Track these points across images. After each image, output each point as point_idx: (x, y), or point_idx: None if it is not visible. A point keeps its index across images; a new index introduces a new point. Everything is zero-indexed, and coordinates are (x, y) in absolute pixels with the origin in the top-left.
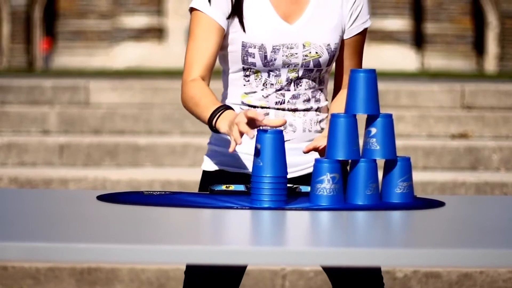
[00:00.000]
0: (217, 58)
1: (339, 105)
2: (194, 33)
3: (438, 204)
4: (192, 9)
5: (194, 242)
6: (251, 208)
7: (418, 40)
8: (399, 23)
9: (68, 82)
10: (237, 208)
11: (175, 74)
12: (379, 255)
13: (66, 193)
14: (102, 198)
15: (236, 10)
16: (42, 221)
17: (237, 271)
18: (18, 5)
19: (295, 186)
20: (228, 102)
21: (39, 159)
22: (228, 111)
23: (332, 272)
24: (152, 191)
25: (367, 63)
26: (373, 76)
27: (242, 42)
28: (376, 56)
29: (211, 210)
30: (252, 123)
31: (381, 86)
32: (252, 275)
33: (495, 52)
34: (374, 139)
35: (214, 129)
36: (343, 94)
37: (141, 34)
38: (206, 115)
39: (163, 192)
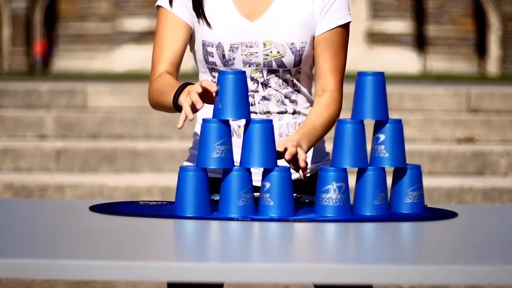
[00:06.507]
0: (183, 56)
1: (309, 119)
2: (159, 31)
3: (450, 215)
4: (158, 7)
5: (194, 259)
6: (252, 219)
7: (420, 43)
8: (401, 26)
9: (65, 86)
10: (237, 220)
11: None
12: (389, 272)
13: (59, 203)
14: (95, 208)
15: (195, 7)
16: (32, 235)
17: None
18: (19, 8)
19: (299, 195)
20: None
21: (35, 165)
22: (189, 86)
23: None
24: (148, 201)
25: (368, 66)
26: (381, 79)
27: (202, 40)
28: (378, 59)
29: (212, 222)
30: (207, 95)
31: None
32: (254, 286)
33: (497, 55)
34: (383, 146)
35: (178, 107)
36: (317, 107)
37: (142, 37)
38: (170, 98)
39: (159, 202)
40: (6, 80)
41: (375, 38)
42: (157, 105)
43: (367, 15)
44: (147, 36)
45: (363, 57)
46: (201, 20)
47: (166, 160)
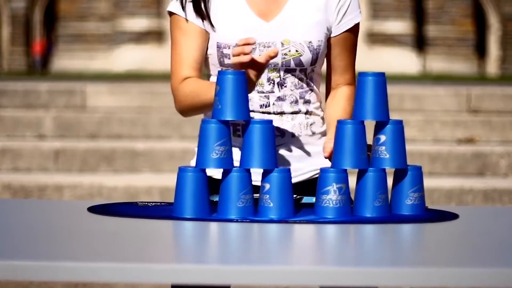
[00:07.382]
0: (203, 61)
1: (337, 112)
2: (175, 39)
3: (452, 216)
4: (170, 13)
5: (193, 261)
6: (252, 221)
7: (420, 43)
8: (401, 26)
9: (64, 86)
10: (237, 221)
11: None
12: (390, 275)
13: (57, 203)
14: (93, 209)
15: (198, 11)
16: (30, 236)
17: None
18: (18, 7)
19: (298, 196)
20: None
21: (34, 165)
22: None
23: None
24: (147, 202)
25: (368, 66)
26: (382, 79)
27: (217, 43)
28: (377, 59)
29: (211, 224)
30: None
31: None
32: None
33: (496, 55)
34: (383, 147)
35: None
36: (338, 100)
37: (141, 37)
38: (212, 92)
39: (158, 203)
40: (5, 80)
41: (375, 39)
42: (193, 108)
43: (367, 15)
44: (147, 36)
45: (362, 58)
46: (209, 21)
47: (166, 161)
